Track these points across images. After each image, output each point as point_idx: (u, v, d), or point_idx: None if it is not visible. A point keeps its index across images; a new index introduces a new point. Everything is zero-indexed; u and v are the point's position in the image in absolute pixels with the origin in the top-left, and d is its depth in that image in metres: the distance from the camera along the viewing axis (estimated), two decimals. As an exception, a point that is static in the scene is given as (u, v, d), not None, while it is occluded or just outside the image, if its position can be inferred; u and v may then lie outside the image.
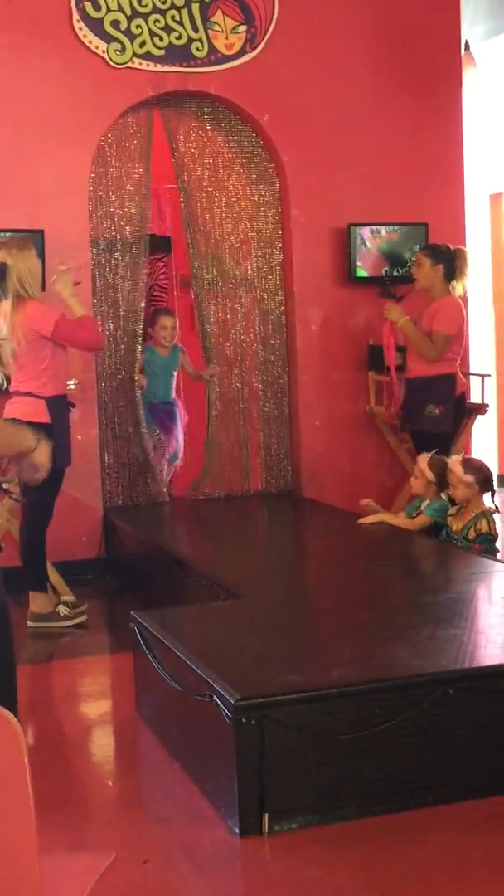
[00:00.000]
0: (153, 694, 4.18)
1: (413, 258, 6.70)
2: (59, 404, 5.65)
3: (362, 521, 6.00)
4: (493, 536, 5.43)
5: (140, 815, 3.63)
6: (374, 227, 7.28)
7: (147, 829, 3.47)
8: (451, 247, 6.48)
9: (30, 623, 5.68)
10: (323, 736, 3.37)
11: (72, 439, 5.85)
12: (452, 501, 5.60)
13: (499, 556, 5.53)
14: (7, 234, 6.17)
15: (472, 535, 5.40)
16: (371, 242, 7.29)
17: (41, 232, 6.47)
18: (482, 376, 7.58)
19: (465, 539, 5.41)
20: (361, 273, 7.28)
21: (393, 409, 6.84)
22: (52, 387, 5.60)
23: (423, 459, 5.69)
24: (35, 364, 5.56)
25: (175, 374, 7.21)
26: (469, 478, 5.41)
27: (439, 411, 6.32)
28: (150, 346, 7.12)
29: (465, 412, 6.70)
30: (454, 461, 5.54)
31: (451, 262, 6.38)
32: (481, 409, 7.42)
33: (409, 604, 4.51)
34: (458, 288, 6.43)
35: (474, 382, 7.64)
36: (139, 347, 7.00)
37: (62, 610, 5.75)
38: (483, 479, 5.44)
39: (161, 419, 7.15)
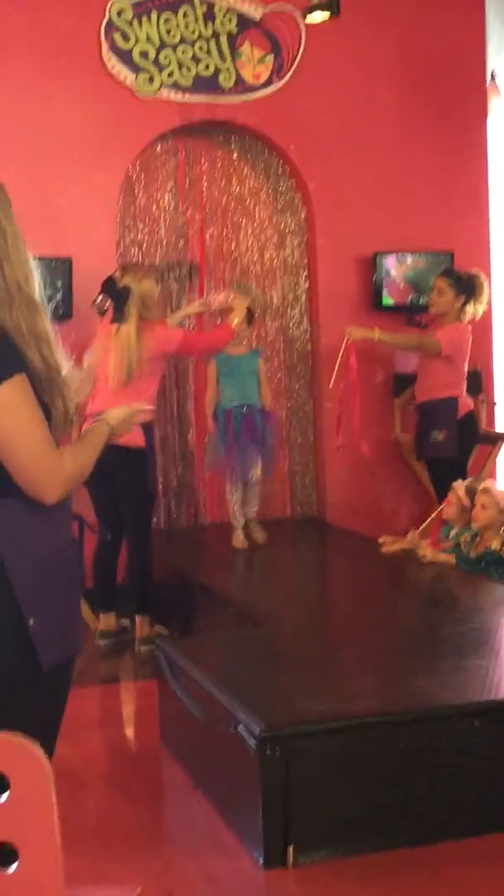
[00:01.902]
0: (178, 722, 4.18)
1: (433, 284, 6.59)
2: (151, 429, 5.68)
3: (384, 548, 5.98)
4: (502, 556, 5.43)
5: (164, 846, 3.63)
6: (399, 256, 7.29)
7: (171, 860, 3.47)
8: (470, 274, 6.46)
9: (142, 648, 5.73)
10: (348, 767, 3.36)
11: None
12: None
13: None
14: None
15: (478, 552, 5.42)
16: (396, 270, 7.31)
17: (69, 260, 6.53)
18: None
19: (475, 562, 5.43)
20: (387, 301, 7.30)
21: (354, 438, 6.54)
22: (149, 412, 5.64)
23: (461, 486, 5.68)
24: (139, 386, 5.56)
25: (256, 378, 6.46)
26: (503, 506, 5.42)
27: (443, 436, 6.31)
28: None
29: (475, 435, 6.63)
30: (492, 483, 5.55)
31: (471, 294, 6.37)
32: (508, 437, 7.42)
33: (434, 634, 4.50)
34: (469, 312, 6.39)
35: (501, 412, 7.64)
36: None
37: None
38: None
39: (234, 427, 6.32)
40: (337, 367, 6.53)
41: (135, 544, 5.83)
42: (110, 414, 2.72)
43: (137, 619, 5.85)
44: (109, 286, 5.73)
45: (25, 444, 2.32)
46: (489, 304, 6.64)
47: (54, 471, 2.36)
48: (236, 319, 6.03)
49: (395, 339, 6.53)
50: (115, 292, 5.66)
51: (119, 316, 5.60)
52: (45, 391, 2.37)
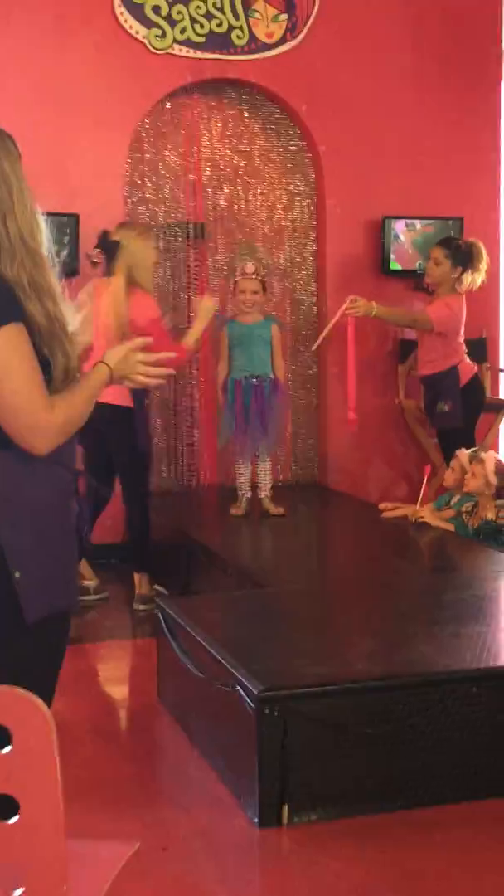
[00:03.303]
0: (176, 681, 4.20)
1: (430, 254, 6.45)
2: (142, 390, 5.62)
3: (385, 513, 5.99)
4: (501, 528, 5.44)
5: (160, 802, 3.65)
6: (408, 221, 7.24)
7: (167, 817, 3.49)
8: (468, 243, 6.40)
9: (141, 606, 5.75)
10: (345, 729, 3.38)
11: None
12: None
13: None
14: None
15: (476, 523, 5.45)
16: (405, 236, 7.26)
17: (76, 216, 6.48)
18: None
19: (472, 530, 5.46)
20: (395, 266, 7.26)
21: (349, 412, 6.46)
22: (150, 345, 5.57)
23: (464, 455, 5.68)
24: None
25: (269, 347, 6.24)
26: (494, 478, 5.44)
27: (448, 407, 6.30)
28: (230, 318, 6.43)
29: (480, 401, 6.57)
30: (490, 455, 5.57)
31: (468, 263, 6.30)
32: (510, 405, 7.40)
33: (434, 599, 4.51)
34: (466, 282, 6.33)
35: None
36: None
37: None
38: (503, 486, 5.48)
39: (243, 399, 6.18)
40: (326, 332, 6.50)
41: (129, 503, 5.85)
42: (108, 355, 2.57)
43: (136, 576, 5.88)
44: (103, 240, 5.70)
45: (12, 392, 2.29)
46: (495, 269, 6.57)
47: (43, 421, 2.32)
48: (194, 339, 5.77)
49: (391, 315, 6.51)
50: (107, 246, 5.62)
51: (108, 270, 5.58)
52: (46, 344, 2.35)
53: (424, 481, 6.02)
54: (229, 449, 6.54)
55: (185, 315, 7.10)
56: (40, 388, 2.33)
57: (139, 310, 5.52)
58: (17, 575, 2.33)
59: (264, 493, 6.28)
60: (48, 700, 2.46)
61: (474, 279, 6.29)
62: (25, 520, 2.36)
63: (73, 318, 2.45)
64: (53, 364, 2.37)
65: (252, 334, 6.22)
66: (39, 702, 1.84)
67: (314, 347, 6.76)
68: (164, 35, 6.80)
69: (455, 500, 5.79)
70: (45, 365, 2.35)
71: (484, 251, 6.32)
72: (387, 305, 6.51)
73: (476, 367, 6.49)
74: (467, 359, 6.39)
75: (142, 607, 5.75)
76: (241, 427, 6.19)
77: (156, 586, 5.84)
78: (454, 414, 6.29)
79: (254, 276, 6.23)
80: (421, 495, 5.97)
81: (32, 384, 2.32)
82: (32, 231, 2.39)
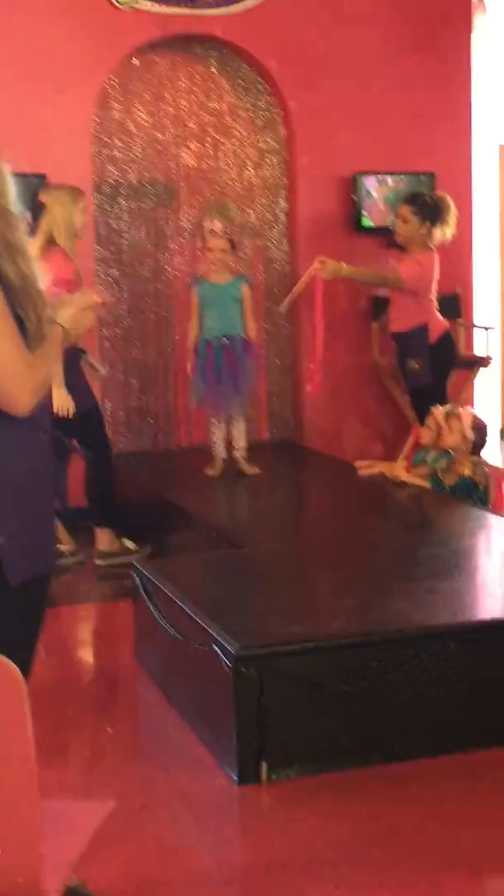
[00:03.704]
0: (153, 642, 4.20)
1: (397, 212, 6.41)
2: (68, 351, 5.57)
3: (361, 471, 5.98)
4: (477, 483, 5.45)
5: (138, 762, 3.66)
6: (380, 177, 7.19)
7: (145, 776, 3.50)
8: (435, 197, 6.35)
9: (100, 562, 5.75)
10: (321, 687, 3.38)
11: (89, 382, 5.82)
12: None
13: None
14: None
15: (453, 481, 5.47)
16: (377, 192, 7.21)
17: (43, 176, 6.40)
18: (487, 329, 7.55)
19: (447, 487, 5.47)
20: (367, 223, 7.21)
21: (313, 375, 6.52)
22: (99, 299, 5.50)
23: (440, 412, 5.66)
24: None
25: (239, 306, 6.14)
26: (470, 434, 5.43)
27: (418, 365, 6.28)
28: (198, 277, 6.32)
29: (450, 358, 6.53)
30: (466, 410, 5.57)
31: (436, 218, 6.24)
32: (484, 361, 7.39)
33: (409, 556, 4.52)
34: (437, 235, 6.29)
35: (478, 335, 7.61)
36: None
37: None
38: (478, 442, 5.50)
39: (214, 360, 6.10)
40: (293, 294, 6.44)
41: (89, 458, 5.86)
42: (58, 314, 2.55)
43: (96, 531, 5.86)
44: (31, 202, 5.62)
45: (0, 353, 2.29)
46: (467, 225, 6.52)
47: (27, 380, 2.33)
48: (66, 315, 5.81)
49: (360, 275, 6.45)
50: (33, 207, 5.56)
51: (31, 231, 5.51)
52: (19, 303, 2.34)
53: (410, 440, 6.02)
54: (203, 410, 6.50)
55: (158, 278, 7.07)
56: (21, 348, 2.33)
57: (53, 270, 5.42)
58: (0, 540, 2.32)
59: (239, 452, 6.24)
60: (30, 661, 2.47)
61: (444, 232, 6.25)
62: (8, 485, 2.36)
63: (41, 276, 2.44)
64: (27, 322, 2.36)
65: (223, 294, 6.14)
66: (9, 663, 1.82)
67: (281, 309, 6.72)
68: (130, -10, 6.69)
69: (431, 456, 5.78)
70: (19, 323, 2.34)
71: (452, 204, 6.27)
72: (357, 265, 6.47)
73: (447, 324, 6.46)
74: (439, 316, 6.36)
75: (101, 563, 5.75)
76: (212, 388, 6.14)
77: (127, 542, 5.83)
78: (424, 372, 6.27)
79: (222, 234, 6.15)
80: (404, 453, 5.98)
81: (16, 345, 2.32)
82: (3, 190, 2.37)
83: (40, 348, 2.41)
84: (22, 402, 2.34)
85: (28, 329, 2.36)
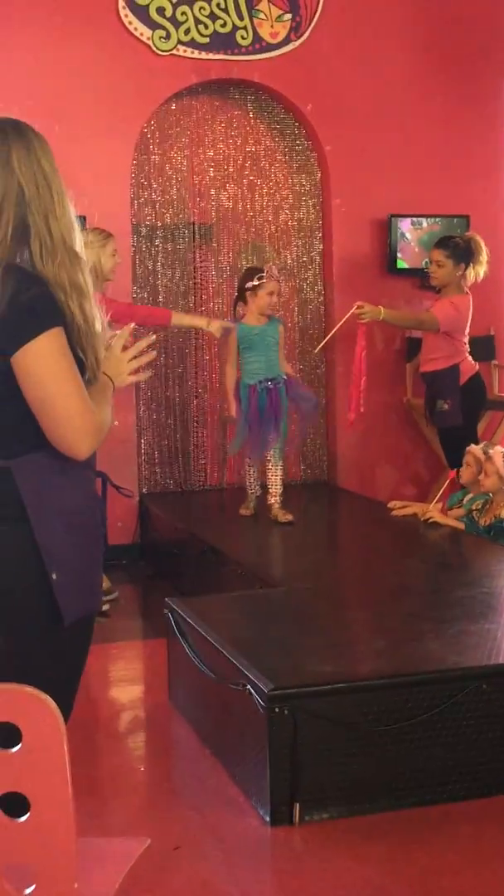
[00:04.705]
0: (186, 681, 4.21)
1: (430, 257, 6.47)
2: None
3: (394, 512, 5.98)
4: None
5: (171, 802, 3.65)
6: (415, 219, 7.25)
7: (178, 816, 3.49)
8: (466, 238, 6.39)
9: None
10: (355, 727, 3.38)
11: None
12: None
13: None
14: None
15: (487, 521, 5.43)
16: (412, 234, 7.27)
17: (83, 218, 6.47)
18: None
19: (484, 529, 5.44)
20: (402, 264, 7.26)
21: (350, 417, 6.45)
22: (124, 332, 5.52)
23: (477, 449, 5.66)
24: None
25: (277, 348, 6.14)
26: (504, 472, 5.42)
27: (448, 405, 6.30)
28: (238, 321, 6.19)
29: (481, 400, 6.54)
30: (497, 451, 5.55)
31: (470, 259, 6.29)
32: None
33: (443, 597, 4.51)
34: (470, 277, 6.33)
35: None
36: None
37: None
38: None
39: (258, 403, 6.05)
40: (329, 337, 6.51)
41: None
42: (104, 365, 2.53)
43: None
44: None
45: (62, 396, 2.30)
46: (501, 267, 6.55)
47: (88, 424, 2.34)
48: (185, 322, 6.23)
49: (397, 318, 6.52)
50: None
51: None
52: (81, 344, 2.36)
53: (447, 481, 6.02)
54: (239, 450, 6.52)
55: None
56: (84, 391, 2.35)
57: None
58: (54, 576, 2.34)
59: (274, 498, 6.15)
60: (73, 697, 2.48)
61: (477, 272, 6.31)
62: (60, 520, 2.37)
63: (100, 318, 2.44)
64: (86, 363, 2.38)
65: (263, 336, 6.10)
66: (49, 700, 1.84)
67: (316, 351, 6.77)
68: (168, 36, 6.81)
69: (468, 498, 5.77)
70: (80, 364, 2.36)
71: (482, 243, 6.31)
72: (391, 307, 6.52)
73: (477, 366, 6.48)
74: (469, 357, 6.39)
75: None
76: (256, 432, 6.07)
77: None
78: (454, 412, 6.29)
79: (278, 279, 6.18)
80: (440, 494, 5.97)
81: (79, 388, 2.33)
82: (70, 230, 2.41)
83: (99, 393, 2.42)
84: (84, 446, 2.35)
85: (87, 371, 2.39)
